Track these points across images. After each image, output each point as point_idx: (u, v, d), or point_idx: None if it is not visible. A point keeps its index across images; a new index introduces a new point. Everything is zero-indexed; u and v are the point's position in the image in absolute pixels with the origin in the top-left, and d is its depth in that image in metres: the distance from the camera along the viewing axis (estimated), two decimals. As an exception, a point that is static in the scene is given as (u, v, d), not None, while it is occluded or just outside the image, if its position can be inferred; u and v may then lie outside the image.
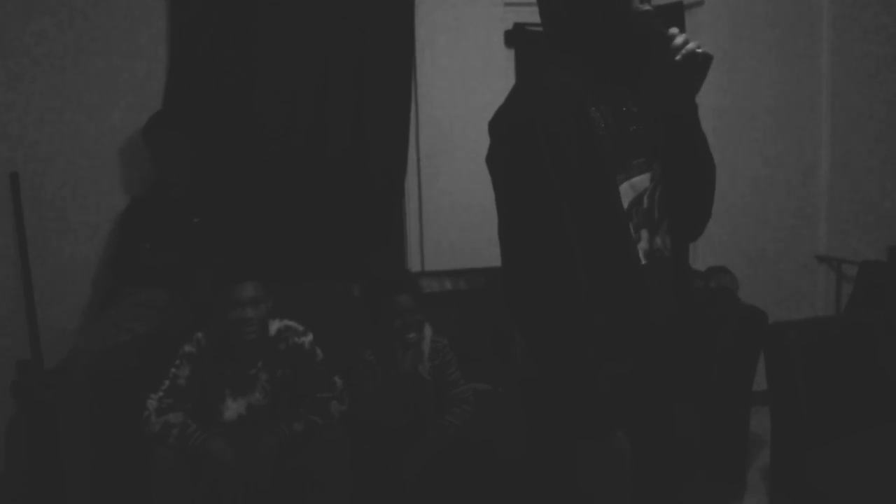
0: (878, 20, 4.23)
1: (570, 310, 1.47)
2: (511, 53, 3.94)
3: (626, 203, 1.54)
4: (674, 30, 1.57)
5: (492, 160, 1.56)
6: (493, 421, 2.90)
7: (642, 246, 1.56)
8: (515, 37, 3.91)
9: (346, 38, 3.58)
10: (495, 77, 3.84)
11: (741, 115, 4.16)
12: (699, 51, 1.54)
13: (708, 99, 4.06)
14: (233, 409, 2.72)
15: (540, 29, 1.69)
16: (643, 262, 1.55)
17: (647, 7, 1.57)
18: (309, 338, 2.80)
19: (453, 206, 3.90)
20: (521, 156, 1.48)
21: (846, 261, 4.15)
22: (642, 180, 1.57)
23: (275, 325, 2.79)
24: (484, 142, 1.56)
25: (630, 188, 1.55)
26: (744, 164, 4.18)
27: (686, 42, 1.55)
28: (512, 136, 1.51)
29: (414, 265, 3.88)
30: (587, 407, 1.49)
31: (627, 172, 1.55)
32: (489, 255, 1.94)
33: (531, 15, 3.72)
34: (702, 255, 4.07)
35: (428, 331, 2.93)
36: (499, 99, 1.58)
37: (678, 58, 1.53)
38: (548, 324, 1.48)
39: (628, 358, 1.56)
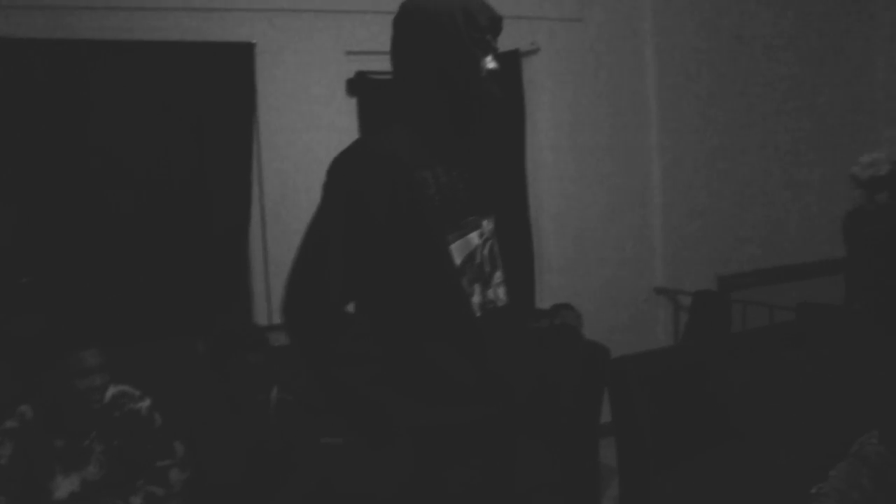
0: (701, 68, 4.56)
1: (313, 321, 1.55)
2: (354, 102, 3.96)
3: (459, 259, 1.60)
4: None
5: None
6: (346, 473, 2.83)
7: (476, 299, 1.62)
8: (358, 85, 3.92)
9: (184, 93, 3.51)
10: (339, 125, 3.83)
11: (578, 155, 4.35)
12: None
13: (546, 141, 4.24)
14: (64, 486, 2.52)
15: (382, 77, 1.73)
16: (477, 314, 1.61)
17: (493, 65, 1.64)
18: (146, 403, 2.66)
19: (301, 257, 3.83)
20: (326, 206, 1.57)
21: (681, 291, 4.38)
22: (474, 237, 1.63)
23: (109, 392, 2.63)
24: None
25: (464, 245, 1.61)
26: (583, 204, 4.35)
27: None
28: (327, 186, 1.58)
29: (261, 318, 3.78)
30: (355, 412, 1.58)
31: (461, 230, 1.61)
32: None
33: (373, 63, 3.80)
34: (548, 293, 4.18)
35: (274, 390, 2.85)
36: (343, 147, 1.63)
37: None
38: (302, 336, 1.57)
39: (471, 405, 1.60)
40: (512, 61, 4.00)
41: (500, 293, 1.68)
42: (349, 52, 3.87)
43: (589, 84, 4.34)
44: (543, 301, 4.08)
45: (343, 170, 1.57)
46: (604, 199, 4.40)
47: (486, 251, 1.66)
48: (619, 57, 4.41)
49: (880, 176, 3.56)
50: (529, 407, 1.78)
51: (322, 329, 1.54)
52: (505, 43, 4.12)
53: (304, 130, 3.83)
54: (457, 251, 1.59)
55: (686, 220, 4.55)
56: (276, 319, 3.76)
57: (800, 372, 2.85)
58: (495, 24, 1.66)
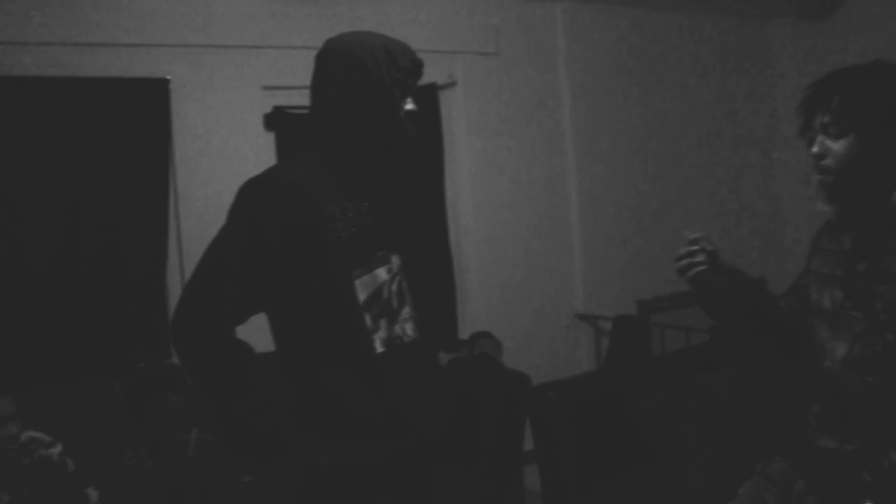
0: (614, 98, 4.70)
1: (201, 341, 1.57)
2: (272, 136, 3.95)
3: (365, 294, 1.62)
4: None
5: None
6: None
7: (381, 335, 1.64)
8: (275, 120, 3.92)
9: (97, 130, 3.45)
10: (257, 160, 3.80)
11: (496, 185, 4.41)
12: None
13: (465, 172, 4.29)
14: (-29, 537, 2.44)
15: (300, 112, 1.75)
16: (381, 350, 1.63)
17: (411, 107, 1.68)
18: (57, 449, 2.59)
19: (222, 293, 3.78)
20: (226, 228, 1.61)
21: (602, 317, 4.47)
22: (381, 273, 1.65)
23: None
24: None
25: (370, 280, 1.63)
26: (503, 234, 4.41)
27: None
28: (231, 209, 1.62)
29: (182, 357, 3.71)
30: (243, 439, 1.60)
31: (367, 266, 1.63)
32: (260, 341, 1.92)
33: (290, 98, 3.81)
34: (470, 323, 4.21)
35: (194, 431, 2.80)
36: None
37: None
38: (193, 357, 1.59)
39: (376, 441, 1.61)
40: (429, 94, 4.06)
41: (407, 328, 1.70)
42: (266, 87, 3.86)
43: (506, 115, 4.42)
44: (466, 331, 4.11)
45: (248, 196, 1.60)
46: (523, 228, 4.47)
47: (394, 287, 1.68)
48: (534, 89, 4.51)
49: None
50: (439, 441, 1.80)
51: (210, 350, 1.56)
52: (422, 77, 4.20)
53: (222, 166, 3.79)
54: (362, 287, 1.61)
55: (605, 247, 4.66)
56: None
57: (713, 393, 2.93)
58: (416, 67, 1.71)
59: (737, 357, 3.15)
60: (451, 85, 4.26)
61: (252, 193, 1.60)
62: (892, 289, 1.56)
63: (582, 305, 4.60)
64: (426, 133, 4.08)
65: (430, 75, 4.09)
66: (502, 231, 4.41)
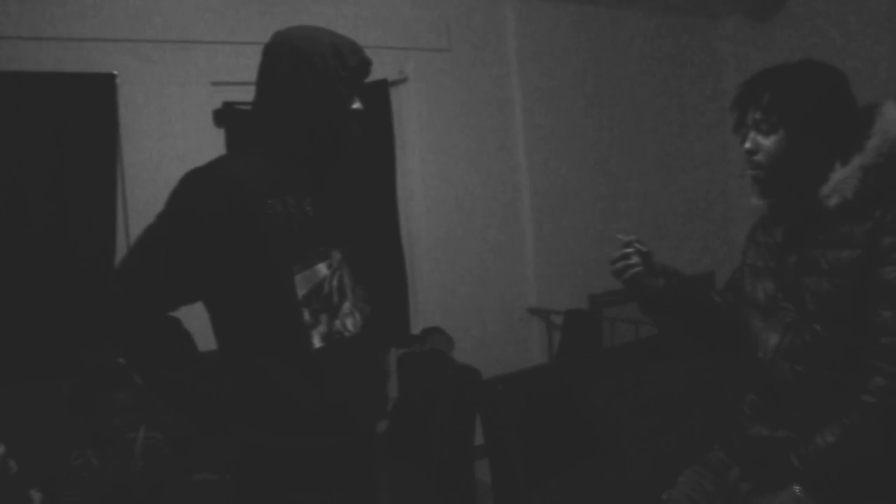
0: (565, 93, 4.74)
1: (127, 317, 1.58)
2: (221, 132, 3.92)
3: (305, 290, 1.62)
4: None
5: None
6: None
7: (320, 330, 1.64)
8: (225, 116, 3.89)
9: (42, 126, 3.38)
10: (206, 156, 3.73)
11: (449, 181, 4.42)
12: None
13: (417, 168, 4.30)
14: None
15: (249, 107, 1.75)
16: (320, 345, 1.63)
17: (357, 105, 1.68)
18: (0, 450, 2.54)
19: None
20: (162, 214, 1.61)
21: (554, 311, 4.51)
22: (322, 268, 1.66)
23: (-40, 441, 2.51)
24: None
25: (310, 276, 1.64)
26: (455, 229, 4.43)
27: None
28: (170, 196, 1.62)
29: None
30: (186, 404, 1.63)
31: (307, 261, 1.63)
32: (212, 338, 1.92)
33: (240, 94, 3.78)
34: (423, 319, 4.23)
35: (142, 429, 2.77)
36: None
37: None
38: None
39: (314, 434, 1.62)
40: (380, 90, 4.06)
41: (348, 324, 1.71)
42: (215, 83, 3.83)
43: (457, 111, 4.44)
44: (419, 326, 4.13)
45: (186, 185, 1.60)
46: (475, 223, 4.50)
47: (335, 282, 1.68)
48: (486, 85, 4.53)
49: None
50: (376, 437, 1.82)
51: (138, 325, 1.58)
52: (373, 72, 4.18)
53: (171, 162, 3.74)
54: (301, 282, 1.62)
55: (557, 241, 4.71)
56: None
57: (659, 385, 2.98)
58: (364, 65, 1.71)
59: (682, 349, 3.21)
60: (403, 81, 4.26)
61: (190, 184, 1.60)
62: (820, 280, 1.62)
63: (534, 300, 4.64)
64: (377, 129, 4.08)
65: (381, 71, 4.11)
66: (454, 226, 4.43)
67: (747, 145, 1.70)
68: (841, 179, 1.59)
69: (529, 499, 2.80)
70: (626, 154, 5.06)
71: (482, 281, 4.51)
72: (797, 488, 1.59)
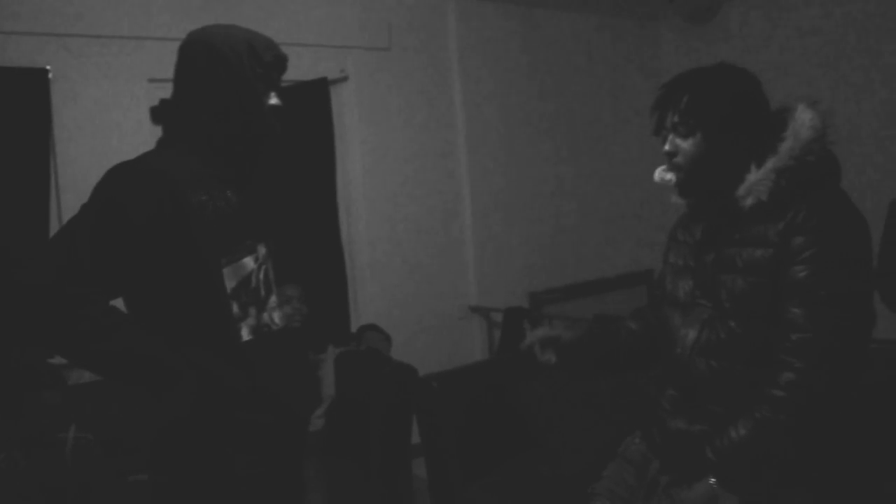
0: (506, 93, 4.79)
1: (51, 305, 1.52)
2: (159, 130, 3.86)
3: (233, 283, 1.63)
4: None
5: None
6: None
7: (249, 322, 1.65)
8: (162, 113, 3.83)
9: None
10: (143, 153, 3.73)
11: (389, 179, 4.44)
12: None
13: (358, 166, 4.31)
14: None
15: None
16: (248, 337, 1.64)
17: (275, 101, 1.69)
18: (-79, 452, 2.49)
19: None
20: (86, 205, 1.60)
21: (494, 309, 4.56)
22: (248, 261, 1.67)
23: None
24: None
25: (238, 269, 1.65)
26: (395, 227, 4.45)
27: None
28: (95, 189, 1.61)
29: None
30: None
31: (234, 255, 1.64)
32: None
33: (174, 91, 3.73)
34: (364, 316, 4.23)
35: (71, 429, 2.73)
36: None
37: None
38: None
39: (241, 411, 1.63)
40: (320, 88, 4.05)
41: (275, 317, 1.72)
42: (152, 80, 3.77)
43: (398, 110, 4.45)
44: (359, 325, 4.12)
45: (111, 179, 1.60)
46: (416, 222, 4.52)
47: (261, 275, 1.70)
48: (426, 84, 4.55)
49: None
50: (308, 425, 1.84)
51: (60, 312, 1.51)
52: (313, 71, 4.18)
53: (107, 159, 3.62)
54: (229, 275, 1.63)
55: (497, 240, 4.76)
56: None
57: (591, 380, 3.04)
58: (280, 61, 1.72)
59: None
60: (343, 80, 4.26)
61: (115, 177, 1.60)
62: (735, 278, 1.67)
63: (475, 298, 4.68)
64: (317, 127, 4.07)
65: (321, 69, 4.11)
66: (395, 225, 4.44)
67: (666, 147, 1.75)
68: (755, 181, 1.64)
69: (464, 494, 2.84)
70: (567, 154, 5.13)
71: (423, 279, 4.54)
72: (712, 480, 1.64)
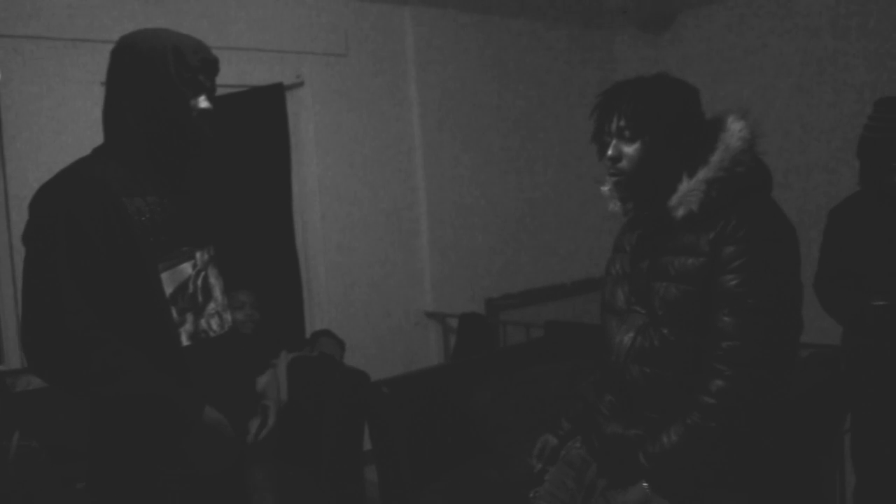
0: (462, 100, 4.82)
1: (60, 354, 1.52)
2: (112, 134, 3.83)
3: (171, 288, 1.63)
4: None
5: (25, 235, 1.60)
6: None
7: (187, 328, 1.66)
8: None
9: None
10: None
11: (345, 184, 4.45)
12: None
13: (314, 172, 4.31)
14: None
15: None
16: (187, 343, 1.65)
17: (205, 105, 1.68)
18: None
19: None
20: (42, 239, 1.56)
21: (450, 315, 4.58)
22: (186, 267, 1.68)
23: None
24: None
25: (175, 275, 1.65)
26: (352, 232, 4.45)
27: None
28: (38, 219, 1.58)
29: (12, 362, 3.56)
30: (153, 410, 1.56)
31: (172, 260, 1.65)
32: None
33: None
34: (319, 322, 4.23)
35: (15, 436, 2.70)
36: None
37: None
38: (56, 362, 1.53)
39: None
40: (276, 94, 4.05)
41: (213, 324, 1.72)
42: (105, 83, 3.74)
43: (355, 116, 4.46)
44: (316, 329, 4.13)
45: (53, 199, 1.57)
46: (372, 228, 4.53)
47: (199, 282, 1.70)
48: (383, 90, 4.57)
49: None
50: (246, 435, 1.84)
51: (70, 358, 1.51)
52: (269, 76, 4.15)
53: (59, 165, 3.63)
54: (167, 280, 1.63)
55: (454, 246, 4.79)
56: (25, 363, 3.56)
57: (540, 385, 3.08)
58: (208, 64, 1.71)
59: (564, 351, 3.32)
60: (299, 85, 4.26)
61: (57, 195, 1.58)
62: (668, 286, 1.70)
63: (431, 304, 4.70)
64: (272, 133, 4.06)
65: (277, 75, 4.11)
66: (351, 231, 4.45)
67: (610, 152, 1.76)
68: (687, 191, 1.68)
69: (415, 499, 2.85)
70: (524, 160, 5.17)
71: (379, 285, 4.55)
72: (645, 484, 1.68)
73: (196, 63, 1.67)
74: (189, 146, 1.71)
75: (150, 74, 1.63)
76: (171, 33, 1.70)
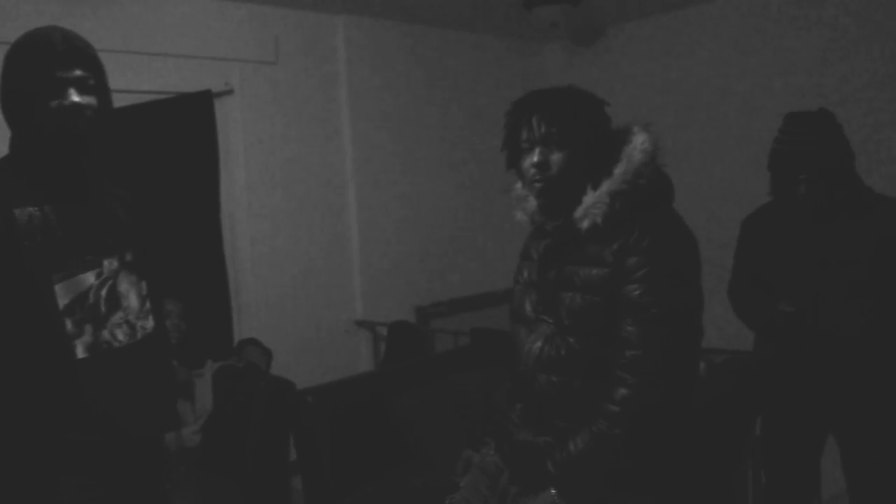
0: (393, 109, 4.84)
1: None
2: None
3: (67, 299, 1.60)
4: None
5: None
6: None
7: (85, 340, 1.62)
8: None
9: None
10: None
11: (275, 193, 4.44)
12: None
13: (243, 180, 4.28)
14: None
15: None
16: (83, 355, 1.62)
17: (75, 99, 1.60)
18: None
19: None
20: None
21: (380, 323, 4.59)
22: (88, 277, 1.64)
23: None
24: None
25: (72, 285, 1.62)
26: (281, 241, 4.45)
27: None
28: None
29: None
30: None
31: (69, 270, 1.61)
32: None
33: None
34: (247, 331, 4.20)
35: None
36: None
37: None
38: None
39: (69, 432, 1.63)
40: (204, 101, 4.01)
41: (118, 333, 1.70)
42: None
43: (284, 124, 4.45)
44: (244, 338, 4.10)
45: None
46: (301, 236, 4.52)
47: (103, 291, 1.67)
48: (314, 99, 4.57)
49: None
50: (151, 444, 1.82)
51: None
52: (198, 83, 4.10)
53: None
54: (62, 291, 1.59)
55: (383, 254, 4.81)
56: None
57: (463, 392, 3.11)
58: (73, 53, 1.64)
59: (486, 358, 3.36)
60: (228, 93, 4.23)
61: None
62: (574, 296, 1.75)
63: (361, 312, 4.71)
64: (200, 140, 4.02)
65: (205, 82, 4.07)
66: (280, 240, 4.43)
67: (537, 158, 1.76)
68: (591, 204, 1.72)
69: (338, 508, 2.85)
70: (454, 169, 5.22)
71: (308, 294, 4.54)
72: (553, 491, 1.72)
73: (62, 49, 1.62)
74: (63, 141, 1.62)
75: (15, 73, 1.61)
76: (52, 28, 1.67)
